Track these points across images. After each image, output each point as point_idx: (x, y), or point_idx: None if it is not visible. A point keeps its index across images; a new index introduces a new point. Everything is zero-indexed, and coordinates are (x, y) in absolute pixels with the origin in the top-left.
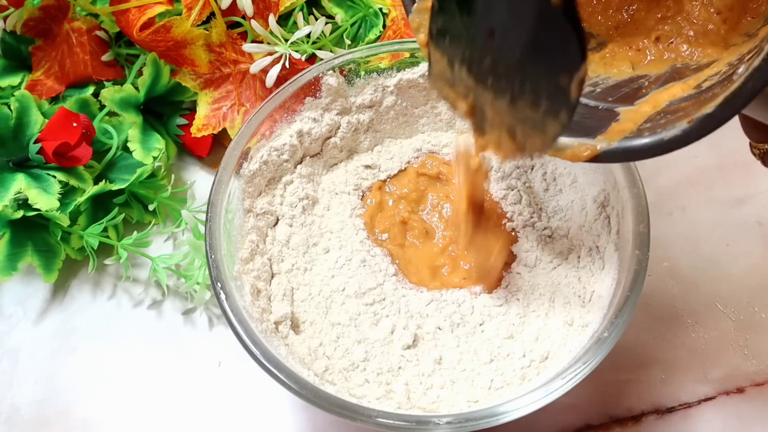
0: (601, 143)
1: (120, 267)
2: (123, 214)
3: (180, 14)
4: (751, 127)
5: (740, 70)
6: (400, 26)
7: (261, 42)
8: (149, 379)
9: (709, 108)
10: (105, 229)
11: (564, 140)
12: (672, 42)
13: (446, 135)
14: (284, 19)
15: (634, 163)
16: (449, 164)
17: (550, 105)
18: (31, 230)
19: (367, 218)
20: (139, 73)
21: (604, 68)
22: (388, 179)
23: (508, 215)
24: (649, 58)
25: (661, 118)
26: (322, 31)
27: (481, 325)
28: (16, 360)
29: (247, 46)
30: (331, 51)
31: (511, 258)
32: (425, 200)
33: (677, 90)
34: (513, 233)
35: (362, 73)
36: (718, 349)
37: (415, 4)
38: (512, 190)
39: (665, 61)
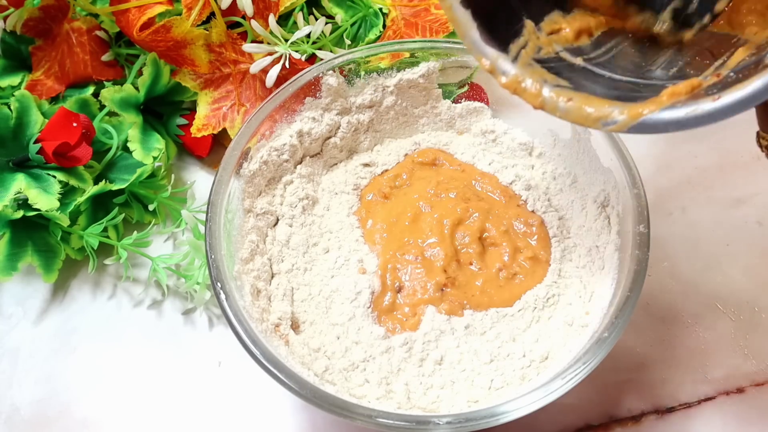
0: (641, 108)
1: (120, 267)
2: (123, 214)
3: (180, 14)
4: (766, 115)
5: None
6: (400, 26)
7: (261, 42)
8: (149, 379)
9: (739, 90)
10: (105, 229)
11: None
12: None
13: (446, 134)
14: (284, 19)
15: (633, 163)
16: (447, 153)
17: None
18: (31, 230)
19: (360, 215)
20: (139, 73)
21: None
22: (384, 173)
23: (523, 198)
24: None
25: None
26: (322, 31)
27: (483, 333)
28: (16, 360)
29: (247, 46)
30: (331, 51)
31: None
32: (412, 179)
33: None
34: (534, 212)
35: (362, 73)
36: (718, 349)
37: None
38: (520, 179)
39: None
